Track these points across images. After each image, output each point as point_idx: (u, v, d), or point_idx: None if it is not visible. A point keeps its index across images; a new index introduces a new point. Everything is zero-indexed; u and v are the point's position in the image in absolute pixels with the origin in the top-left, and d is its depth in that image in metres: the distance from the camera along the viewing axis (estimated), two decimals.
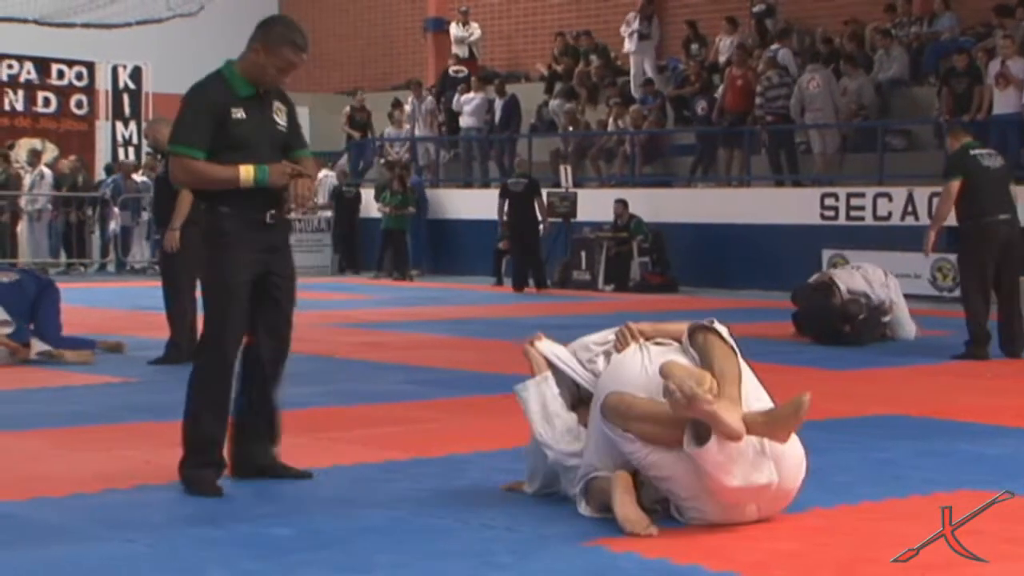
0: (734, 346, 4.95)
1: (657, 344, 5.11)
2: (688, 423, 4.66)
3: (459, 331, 12.82)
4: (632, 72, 23.22)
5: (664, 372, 4.75)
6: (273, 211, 5.48)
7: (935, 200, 12.43)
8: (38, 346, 9.91)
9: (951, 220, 10.78)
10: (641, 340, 5.13)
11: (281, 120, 5.57)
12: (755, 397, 4.89)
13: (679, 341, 5.08)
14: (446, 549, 4.54)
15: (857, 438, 6.69)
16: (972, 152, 10.48)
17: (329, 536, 4.73)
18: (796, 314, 12.04)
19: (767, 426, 4.72)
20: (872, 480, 5.72)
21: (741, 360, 4.94)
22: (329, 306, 16.13)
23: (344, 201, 23.07)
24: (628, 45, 23.15)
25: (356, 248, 23.04)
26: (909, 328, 11.86)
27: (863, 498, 5.32)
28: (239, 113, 5.42)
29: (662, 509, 4.91)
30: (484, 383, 8.97)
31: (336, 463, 6.07)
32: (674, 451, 4.72)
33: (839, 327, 11.38)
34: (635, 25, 23.00)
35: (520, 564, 4.36)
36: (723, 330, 5.00)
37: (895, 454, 6.39)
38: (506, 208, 19.29)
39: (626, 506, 4.74)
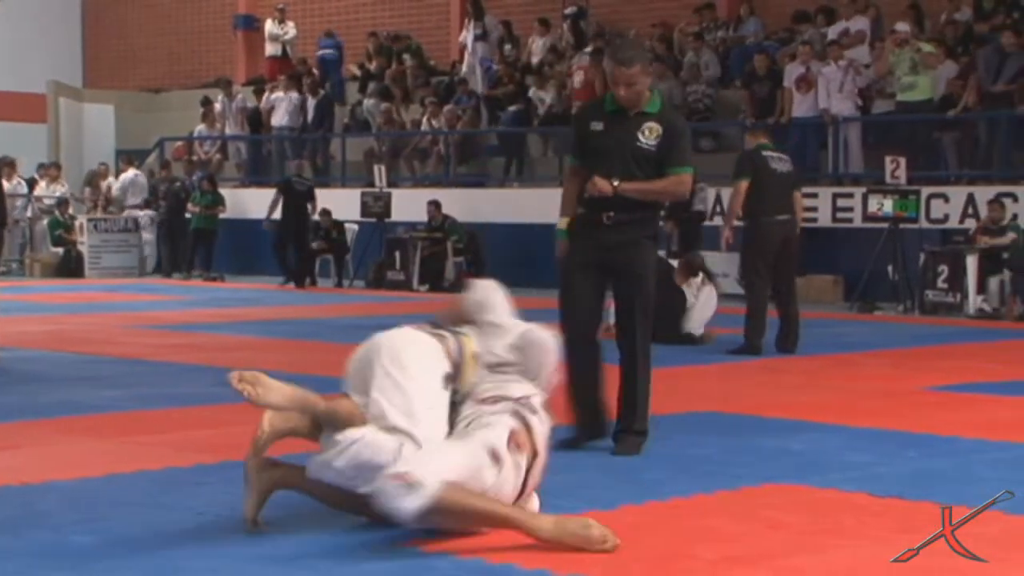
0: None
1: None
2: None
3: (270, 332, 12.67)
4: (465, 72, 23.20)
5: None
6: (611, 213, 6.28)
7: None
8: None
9: None
10: None
11: (645, 139, 6.29)
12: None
13: None
14: (259, 553, 4.46)
15: (667, 435, 6.78)
16: (764, 153, 11.03)
17: (135, 543, 4.60)
18: None
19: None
20: (681, 477, 5.81)
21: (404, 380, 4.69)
22: (137, 308, 15.79)
23: (177, 200, 22.31)
24: (468, 48, 23.16)
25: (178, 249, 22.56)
26: (697, 330, 11.79)
27: (672, 494, 5.41)
28: (598, 126, 6.37)
29: None
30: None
31: (143, 468, 5.93)
32: None
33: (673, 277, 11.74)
34: (471, 27, 23.05)
35: (334, 567, 4.31)
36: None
37: (705, 450, 6.51)
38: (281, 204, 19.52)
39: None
